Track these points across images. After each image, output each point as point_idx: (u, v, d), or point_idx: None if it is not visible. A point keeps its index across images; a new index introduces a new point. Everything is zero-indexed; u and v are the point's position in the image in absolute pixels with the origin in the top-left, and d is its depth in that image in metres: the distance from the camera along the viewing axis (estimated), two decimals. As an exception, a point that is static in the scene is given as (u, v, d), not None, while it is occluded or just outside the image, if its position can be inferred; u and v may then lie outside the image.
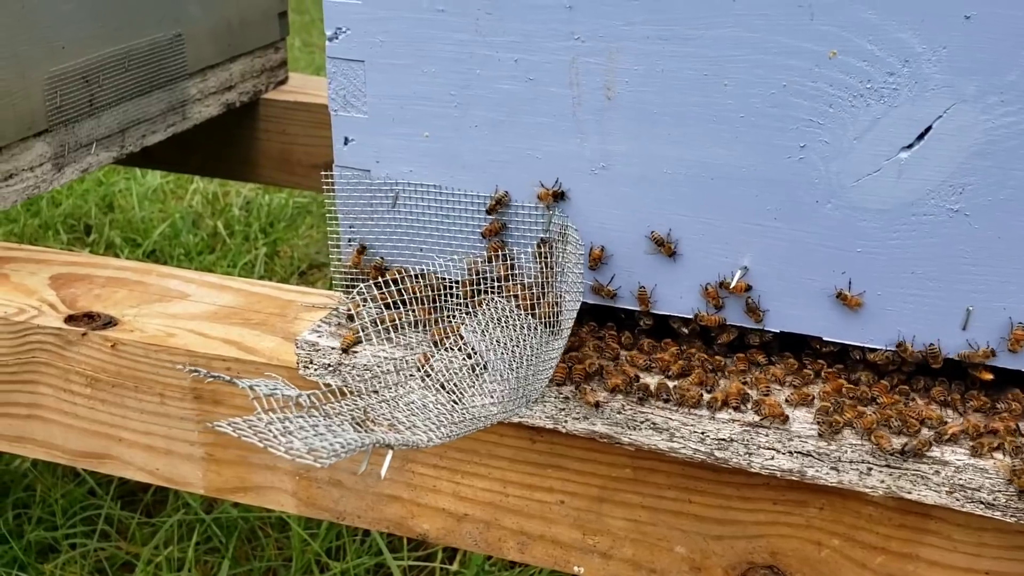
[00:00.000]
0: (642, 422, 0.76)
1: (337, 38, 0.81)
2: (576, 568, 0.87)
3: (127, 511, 1.57)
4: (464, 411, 0.59)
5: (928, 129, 0.71)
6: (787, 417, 0.73)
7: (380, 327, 0.77)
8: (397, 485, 0.89)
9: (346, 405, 0.55)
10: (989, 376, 0.75)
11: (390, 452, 0.53)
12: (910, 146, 0.72)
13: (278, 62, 1.55)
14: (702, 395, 0.76)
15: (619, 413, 0.77)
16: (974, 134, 0.70)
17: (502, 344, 0.68)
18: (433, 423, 0.57)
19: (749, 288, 0.77)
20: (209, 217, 2.45)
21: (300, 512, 0.92)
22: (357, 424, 0.52)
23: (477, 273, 0.81)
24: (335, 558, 1.50)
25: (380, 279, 0.82)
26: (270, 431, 0.46)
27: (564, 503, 0.85)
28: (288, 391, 0.52)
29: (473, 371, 0.67)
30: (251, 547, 1.53)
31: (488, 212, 0.81)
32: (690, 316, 0.81)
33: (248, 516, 1.56)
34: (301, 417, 0.49)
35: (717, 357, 0.81)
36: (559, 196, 0.78)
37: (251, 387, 0.51)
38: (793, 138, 0.74)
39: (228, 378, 0.52)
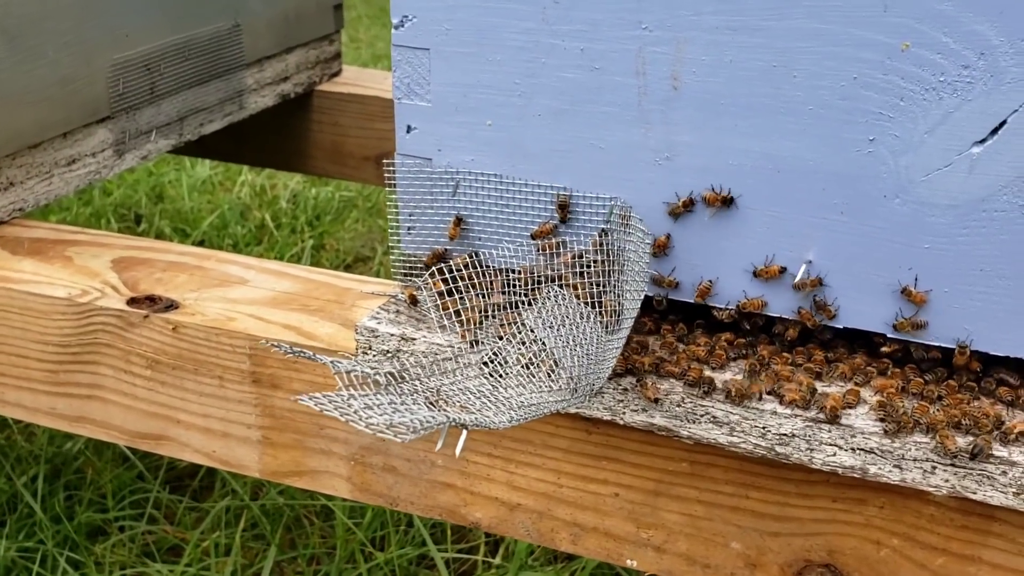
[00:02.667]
0: (702, 415, 0.76)
1: (403, 26, 0.82)
2: (629, 561, 0.87)
3: (175, 496, 1.59)
4: (525, 397, 0.59)
5: (1003, 123, 0.70)
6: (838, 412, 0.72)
7: (439, 312, 0.77)
8: (451, 473, 0.89)
9: (420, 385, 0.55)
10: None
11: (464, 431, 0.53)
12: (983, 141, 0.71)
13: (332, 54, 1.56)
14: (762, 390, 0.75)
15: (678, 406, 0.76)
16: (1051, 129, 0.69)
17: (565, 333, 0.68)
18: (503, 405, 0.57)
19: (820, 283, 0.76)
20: (257, 209, 2.48)
21: (354, 497, 0.92)
22: (431, 403, 0.53)
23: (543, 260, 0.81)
24: (379, 547, 1.51)
25: (440, 268, 0.82)
26: (351, 406, 0.46)
27: (619, 495, 0.85)
28: (366, 368, 0.53)
29: (535, 360, 0.67)
30: (296, 535, 1.55)
31: (562, 221, 0.81)
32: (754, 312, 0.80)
33: (293, 504, 1.57)
34: (379, 394, 0.49)
35: (785, 354, 0.80)
36: (728, 201, 0.77)
37: (332, 363, 0.51)
38: (862, 131, 0.73)
39: (311, 355, 0.52)
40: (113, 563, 1.45)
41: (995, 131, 0.70)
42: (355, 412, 0.46)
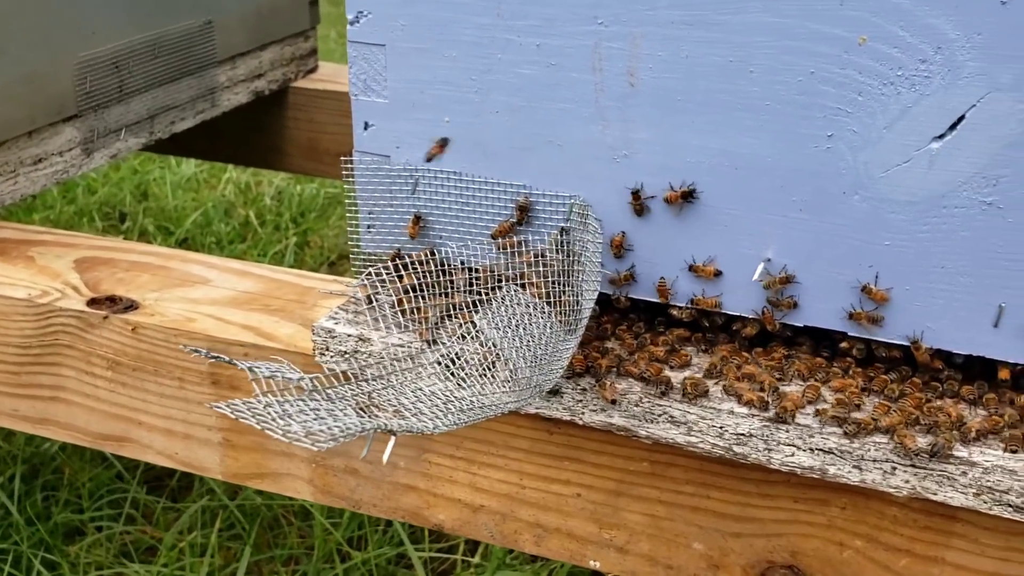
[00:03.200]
0: (659, 415, 0.75)
1: (358, 22, 0.80)
2: (592, 562, 0.86)
3: (153, 495, 1.58)
4: (475, 399, 0.58)
5: (961, 119, 0.69)
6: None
7: (396, 310, 0.76)
8: (414, 475, 0.88)
9: (351, 390, 0.54)
10: (1006, 374, 0.73)
11: (393, 438, 0.52)
12: (942, 136, 0.69)
13: (308, 50, 1.55)
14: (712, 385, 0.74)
15: (636, 406, 0.75)
16: (1009, 124, 0.68)
17: (517, 333, 0.67)
18: (441, 410, 0.56)
19: (789, 280, 0.75)
20: (241, 206, 2.47)
21: (316, 500, 0.91)
22: (361, 409, 0.52)
23: (502, 256, 0.80)
24: (357, 547, 1.50)
25: (398, 265, 0.81)
26: (268, 413, 0.45)
27: (581, 496, 0.84)
28: (290, 374, 0.52)
29: (486, 360, 0.66)
30: (274, 535, 1.54)
31: (518, 223, 0.80)
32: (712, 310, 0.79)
33: (271, 504, 1.56)
34: (302, 400, 0.49)
35: (745, 352, 0.79)
36: (688, 196, 0.76)
37: (251, 368, 0.50)
38: (820, 127, 0.72)
39: (228, 359, 0.51)
40: (89, 564, 1.44)
41: (954, 126, 0.69)
42: (272, 420, 0.45)
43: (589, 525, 0.85)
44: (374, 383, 0.58)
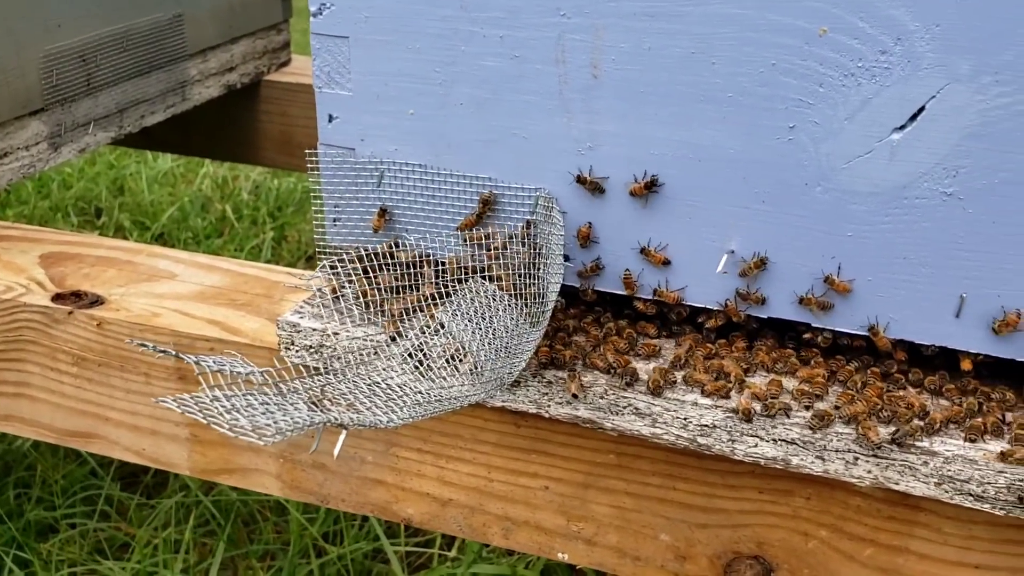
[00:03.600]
0: (624, 407, 0.75)
1: (321, 14, 0.80)
2: (560, 555, 0.86)
3: (127, 492, 1.57)
4: (435, 391, 0.58)
5: (921, 110, 0.69)
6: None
7: (362, 304, 0.76)
8: (382, 469, 0.88)
9: (303, 384, 0.54)
10: (968, 365, 0.73)
11: (344, 432, 0.51)
12: (903, 127, 0.70)
13: (280, 44, 1.54)
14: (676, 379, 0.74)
15: (601, 398, 0.75)
16: (968, 115, 0.68)
17: (481, 326, 0.67)
18: (397, 403, 0.55)
19: (764, 263, 0.75)
20: (218, 201, 2.45)
21: (284, 495, 0.91)
22: (313, 403, 0.51)
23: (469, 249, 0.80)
24: (333, 543, 1.50)
25: (363, 259, 0.81)
26: (215, 407, 0.45)
27: (549, 489, 0.84)
28: (239, 368, 0.51)
29: (450, 352, 0.66)
30: (249, 531, 1.53)
31: (479, 217, 0.80)
32: (680, 302, 0.79)
33: (247, 499, 1.56)
34: (251, 394, 0.48)
35: (708, 344, 0.79)
36: (651, 185, 0.76)
37: (197, 362, 0.50)
38: (782, 118, 0.72)
39: (175, 353, 0.51)
40: (62, 561, 1.43)
41: (914, 117, 0.69)
42: (219, 414, 0.44)
43: (557, 517, 0.85)
44: (328, 377, 0.57)
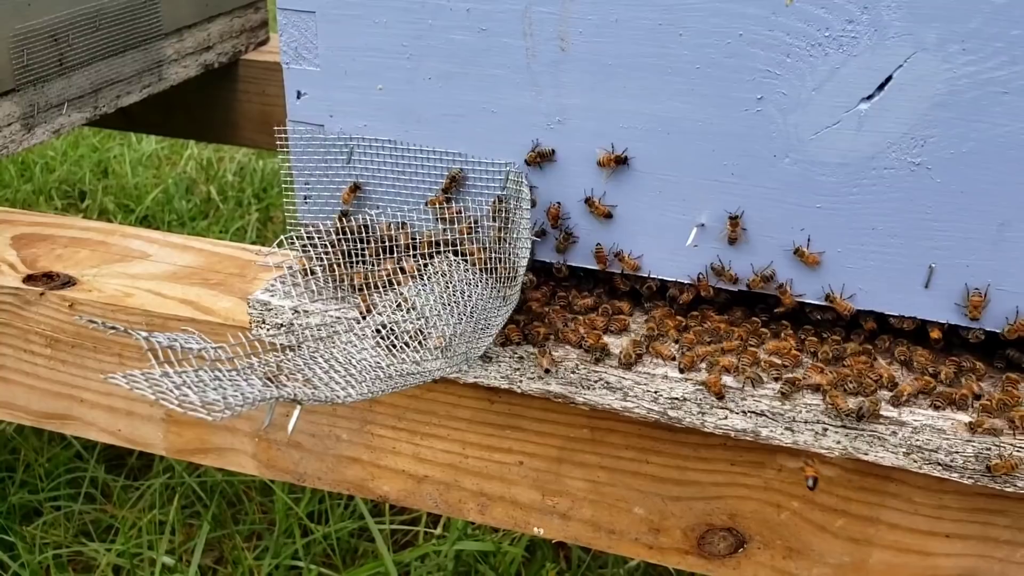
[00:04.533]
0: (596, 381, 0.75)
1: (287, -11, 0.79)
2: (536, 529, 0.86)
3: (112, 474, 1.57)
4: (397, 367, 0.58)
5: (888, 79, 0.68)
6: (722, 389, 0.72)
7: (332, 281, 0.75)
8: (357, 447, 0.88)
9: (260, 360, 0.54)
10: (938, 334, 0.73)
11: (298, 408, 0.51)
12: (870, 97, 0.69)
13: (258, 22, 1.53)
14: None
15: (573, 372, 0.75)
16: (935, 84, 0.68)
17: (449, 302, 0.67)
18: (355, 378, 0.55)
19: (737, 222, 0.74)
20: (203, 183, 2.44)
21: (261, 474, 0.91)
22: (268, 379, 0.51)
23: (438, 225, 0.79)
24: (318, 522, 1.50)
25: (333, 236, 0.80)
26: (164, 383, 0.45)
27: (523, 464, 0.84)
28: (192, 344, 0.51)
29: (417, 328, 0.66)
30: (235, 511, 1.54)
31: (444, 190, 0.80)
32: (647, 276, 0.79)
33: (232, 480, 1.56)
34: (202, 370, 0.48)
35: (678, 318, 0.79)
36: (621, 160, 0.75)
37: (147, 338, 0.50)
38: (750, 90, 0.71)
39: (123, 328, 0.51)
40: (47, 544, 1.43)
41: (882, 87, 0.69)
42: (168, 390, 0.44)
43: (532, 492, 0.85)
44: (287, 353, 0.57)
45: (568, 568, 1.45)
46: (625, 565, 1.44)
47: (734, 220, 0.74)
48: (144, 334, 0.50)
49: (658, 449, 0.80)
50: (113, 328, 0.49)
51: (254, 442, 0.90)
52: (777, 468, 0.77)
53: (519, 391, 0.77)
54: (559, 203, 0.79)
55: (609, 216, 0.77)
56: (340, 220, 0.80)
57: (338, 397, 0.52)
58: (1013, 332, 0.71)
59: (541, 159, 0.76)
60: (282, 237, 0.68)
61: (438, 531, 1.50)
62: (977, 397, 0.71)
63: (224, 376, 0.48)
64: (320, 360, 0.56)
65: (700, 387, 0.72)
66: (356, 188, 0.83)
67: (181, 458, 0.93)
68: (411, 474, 0.88)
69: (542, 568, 1.41)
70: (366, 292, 0.76)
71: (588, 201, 0.77)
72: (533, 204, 0.79)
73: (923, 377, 0.73)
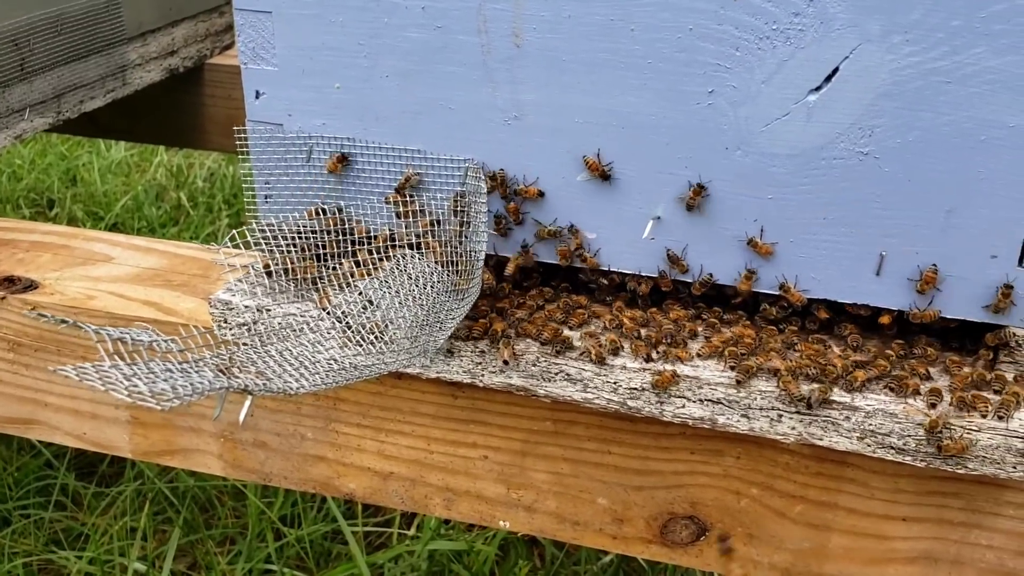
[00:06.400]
0: (556, 374, 0.76)
1: (243, -11, 0.79)
2: (502, 523, 0.87)
3: (83, 482, 1.57)
4: (350, 359, 0.58)
5: (835, 71, 0.70)
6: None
7: (294, 278, 0.76)
8: (322, 445, 0.88)
9: (212, 352, 0.54)
10: (888, 320, 0.75)
11: (249, 398, 0.52)
12: (818, 88, 0.71)
13: (223, 26, 1.53)
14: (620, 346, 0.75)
15: (534, 365, 0.76)
16: (881, 75, 0.69)
17: (406, 296, 0.68)
18: (308, 370, 0.56)
19: (701, 190, 0.74)
20: (173, 189, 2.43)
21: (227, 474, 0.91)
22: (220, 370, 0.51)
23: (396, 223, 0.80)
24: (291, 525, 1.50)
25: (294, 232, 0.81)
26: (113, 374, 0.45)
27: (488, 458, 0.85)
28: (142, 336, 0.52)
29: (373, 322, 0.66)
30: (207, 516, 1.53)
31: (397, 190, 0.80)
32: (606, 268, 0.80)
33: (204, 485, 1.55)
34: (154, 362, 0.48)
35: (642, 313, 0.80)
36: (606, 176, 0.76)
37: (96, 331, 0.50)
38: (701, 83, 0.73)
39: (72, 321, 0.51)
40: (16, 552, 1.42)
41: (829, 78, 0.70)
42: (117, 380, 0.44)
43: (497, 486, 0.86)
44: (241, 346, 0.57)
45: (541, 566, 1.46)
46: (599, 561, 1.45)
47: (699, 188, 0.74)
48: (93, 327, 0.50)
49: (619, 440, 0.80)
50: (63, 322, 0.50)
51: (220, 442, 0.90)
52: (736, 456, 0.78)
53: (482, 385, 0.78)
54: (517, 205, 0.80)
55: (542, 195, 0.78)
56: (312, 215, 0.81)
57: (291, 388, 0.53)
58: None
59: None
60: (233, 232, 0.69)
61: (411, 532, 1.50)
62: (928, 379, 0.73)
63: (175, 368, 0.49)
64: (273, 352, 0.57)
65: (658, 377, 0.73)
66: (343, 159, 0.82)
67: (147, 460, 0.93)
68: (376, 471, 0.88)
69: (515, 566, 1.42)
70: (325, 288, 0.77)
71: (517, 192, 0.78)
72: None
73: (878, 362, 0.74)
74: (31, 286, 0.91)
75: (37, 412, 0.94)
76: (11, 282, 0.92)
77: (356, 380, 0.58)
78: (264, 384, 0.51)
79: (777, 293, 0.77)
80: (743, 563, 0.82)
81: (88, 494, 1.53)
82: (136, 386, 0.45)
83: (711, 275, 0.77)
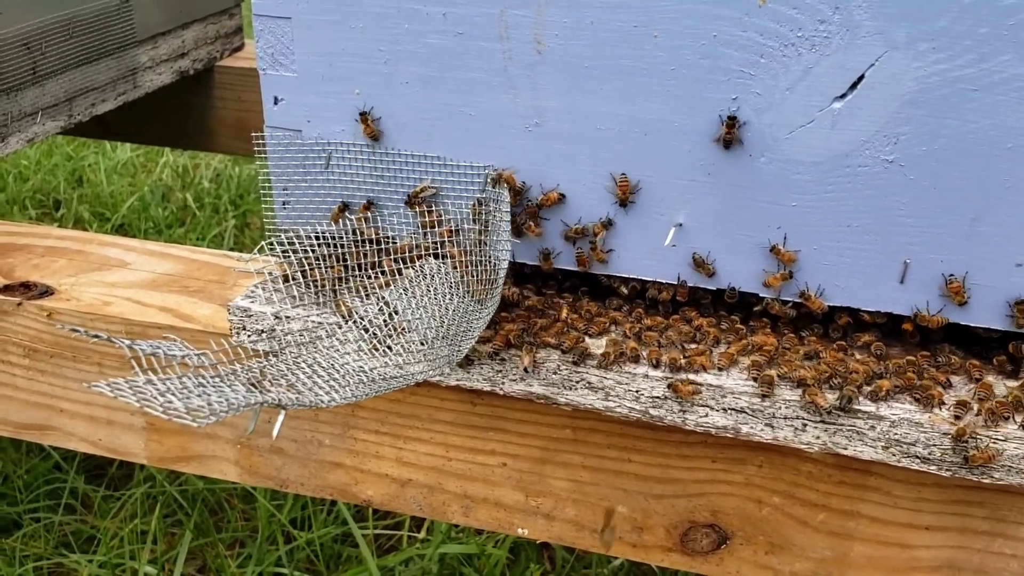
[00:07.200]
0: (577, 382, 0.75)
1: (262, -5, 0.79)
2: (520, 530, 0.87)
3: (92, 485, 1.56)
4: (379, 371, 0.58)
5: (861, 78, 0.69)
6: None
7: (313, 287, 0.75)
8: (339, 452, 0.88)
9: (243, 365, 0.54)
10: (909, 327, 0.74)
11: (283, 412, 0.51)
12: (843, 96, 0.70)
13: (233, 28, 1.52)
14: (639, 354, 0.75)
15: (555, 374, 0.76)
16: (906, 82, 0.69)
17: (430, 305, 0.67)
18: (338, 383, 0.55)
19: (736, 130, 0.72)
20: (179, 190, 2.43)
21: (243, 481, 0.91)
22: (252, 385, 0.51)
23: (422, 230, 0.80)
24: (301, 528, 1.50)
25: (314, 239, 0.80)
26: (148, 390, 0.45)
27: (506, 465, 0.85)
28: (175, 350, 0.51)
29: (399, 332, 0.66)
30: (217, 519, 1.53)
31: (408, 205, 0.80)
32: (627, 276, 0.80)
33: (214, 488, 1.55)
34: (186, 377, 0.48)
35: (657, 318, 0.80)
36: (624, 204, 0.76)
37: (130, 346, 0.50)
38: (725, 90, 0.72)
39: (106, 336, 0.51)
40: (27, 556, 1.42)
41: (854, 86, 0.70)
42: (152, 397, 0.44)
43: (516, 494, 0.85)
44: (269, 358, 0.57)
45: (552, 569, 1.46)
46: (609, 565, 1.44)
47: (732, 120, 0.72)
48: (127, 342, 0.50)
49: (640, 448, 0.80)
50: (96, 336, 0.49)
51: (236, 449, 0.90)
52: (758, 464, 0.78)
53: (501, 393, 0.78)
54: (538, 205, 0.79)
55: (520, 192, 0.78)
56: (337, 216, 0.81)
57: (322, 401, 0.53)
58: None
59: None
60: (263, 243, 0.68)
61: (422, 535, 1.50)
62: (951, 387, 0.72)
63: (208, 382, 0.48)
64: (303, 365, 0.56)
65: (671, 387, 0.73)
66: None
67: (163, 466, 0.92)
68: (394, 478, 0.88)
69: (526, 570, 1.42)
70: (347, 296, 0.77)
71: (498, 178, 0.78)
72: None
73: (901, 371, 0.74)
74: (47, 292, 0.91)
75: (52, 418, 0.94)
76: (27, 288, 0.92)
77: (385, 392, 0.57)
78: (296, 398, 0.51)
79: (798, 300, 0.77)
80: (764, 571, 0.81)
81: (98, 497, 1.52)
82: (171, 402, 0.44)
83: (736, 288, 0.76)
